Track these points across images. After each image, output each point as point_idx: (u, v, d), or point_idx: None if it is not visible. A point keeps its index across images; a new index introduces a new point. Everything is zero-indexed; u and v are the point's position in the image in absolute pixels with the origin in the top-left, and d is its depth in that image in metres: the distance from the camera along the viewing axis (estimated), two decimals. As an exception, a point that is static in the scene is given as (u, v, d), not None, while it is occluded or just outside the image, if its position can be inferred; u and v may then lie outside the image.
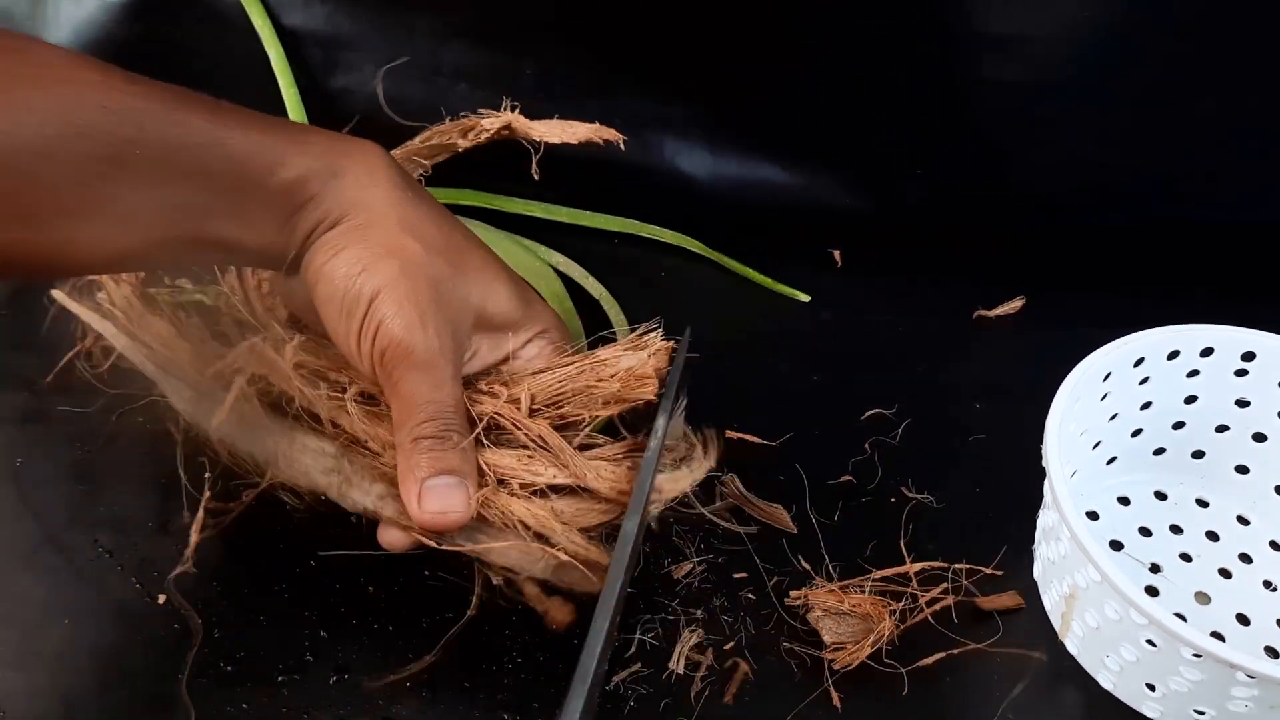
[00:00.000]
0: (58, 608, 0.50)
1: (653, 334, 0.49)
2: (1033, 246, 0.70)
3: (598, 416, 0.49)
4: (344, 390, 0.48)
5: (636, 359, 0.48)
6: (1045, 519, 0.51)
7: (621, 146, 0.57)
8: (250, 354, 0.49)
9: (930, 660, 0.49)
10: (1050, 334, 0.64)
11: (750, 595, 0.51)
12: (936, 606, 0.50)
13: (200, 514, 0.50)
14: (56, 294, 0.56)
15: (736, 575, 0.52)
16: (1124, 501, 0.56)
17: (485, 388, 0.48)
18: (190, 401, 0.50)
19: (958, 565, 0.52)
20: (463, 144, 0.55)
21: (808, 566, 0.52)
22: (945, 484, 0.56)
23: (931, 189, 0.72)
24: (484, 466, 0.46)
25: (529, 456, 0.47)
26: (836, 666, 0.48)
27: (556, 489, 0.47)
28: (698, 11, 0.68)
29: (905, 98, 0.70)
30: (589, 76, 0.72)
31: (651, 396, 0.48)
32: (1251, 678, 0.41)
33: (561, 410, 0.48)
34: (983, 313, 0.66)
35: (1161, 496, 0.56)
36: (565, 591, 0.48)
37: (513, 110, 0.55)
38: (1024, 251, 0.70)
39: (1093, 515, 0.55)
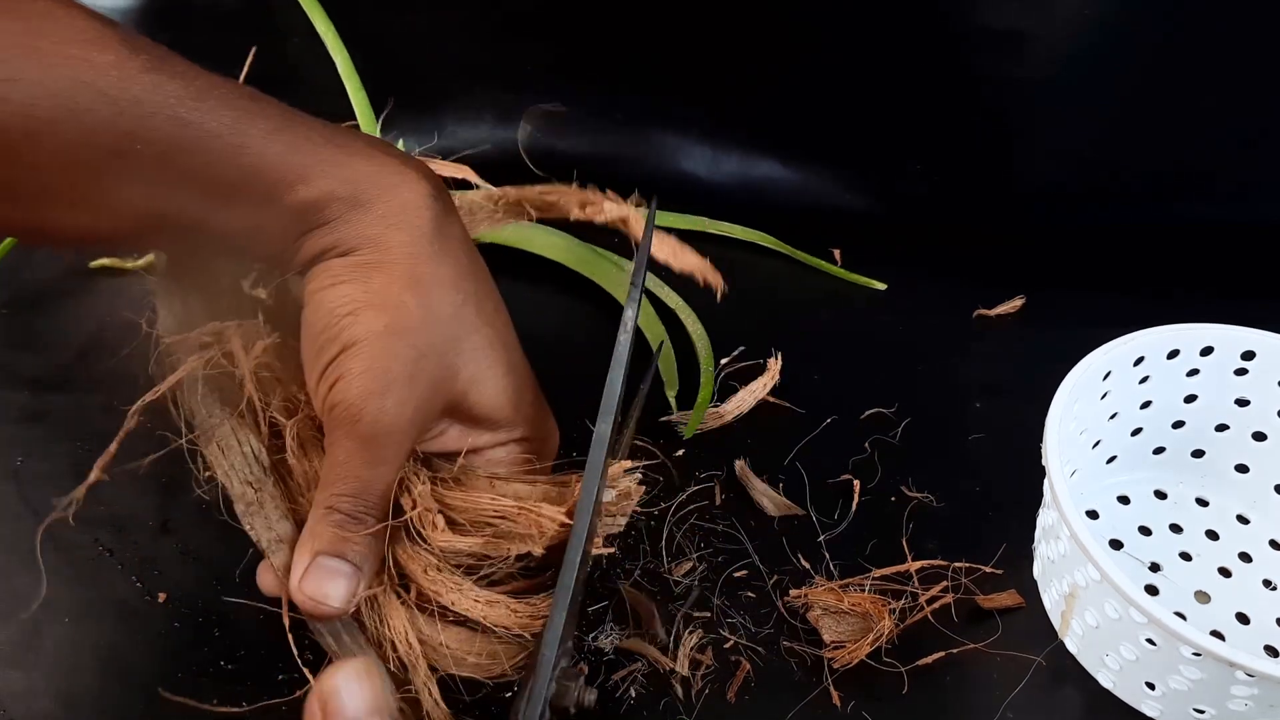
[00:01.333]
0: (58, 606, 0.50)
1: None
2: (1033, 246, 0.71)
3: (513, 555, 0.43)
4: (295, 411, 0.45)
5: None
6: (1045, 518, 0.51)
7: (718, 297, 0.55)
8: (217, 336, 0.46)
9: (930, 659, 0.49)
10: (1050, 334, 0.64)
11: (750, 594, 0.51)
12: (936, 605, 0.50)
13: (114, 447, 0.47)
14: None
15: (736, 574, 0.52)
16: (1124, 500, 0.56)
17: (420, 475, 0.44)
18: (173, 326, 0.47)
19: (957, 564, 0.52)
20: (575, 215, 0.53)
21: (807, 565, 0.52)
22: (945, 483, 0.56)
23: (931, 188, 0.72)
24: (392, 565, 0.42)
25: (437, 570, 0.42)
26: (836, 665, 0.48)
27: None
28: (700, 8, 0.68)
29: (905, 97, 0.70)
30: (591, 74, 0.72)
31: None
32: (1251, 676, 0.41)
33: (488, 534, 0.43)
34: (983, 312, 0.66)
35: (1161, 495, 0.56)
36: None
37: (636, 206, 0.53)
38: (1024, 251, 0.70)
39: (1092, 514, 0.55)
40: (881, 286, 0.68)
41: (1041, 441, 0.48)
